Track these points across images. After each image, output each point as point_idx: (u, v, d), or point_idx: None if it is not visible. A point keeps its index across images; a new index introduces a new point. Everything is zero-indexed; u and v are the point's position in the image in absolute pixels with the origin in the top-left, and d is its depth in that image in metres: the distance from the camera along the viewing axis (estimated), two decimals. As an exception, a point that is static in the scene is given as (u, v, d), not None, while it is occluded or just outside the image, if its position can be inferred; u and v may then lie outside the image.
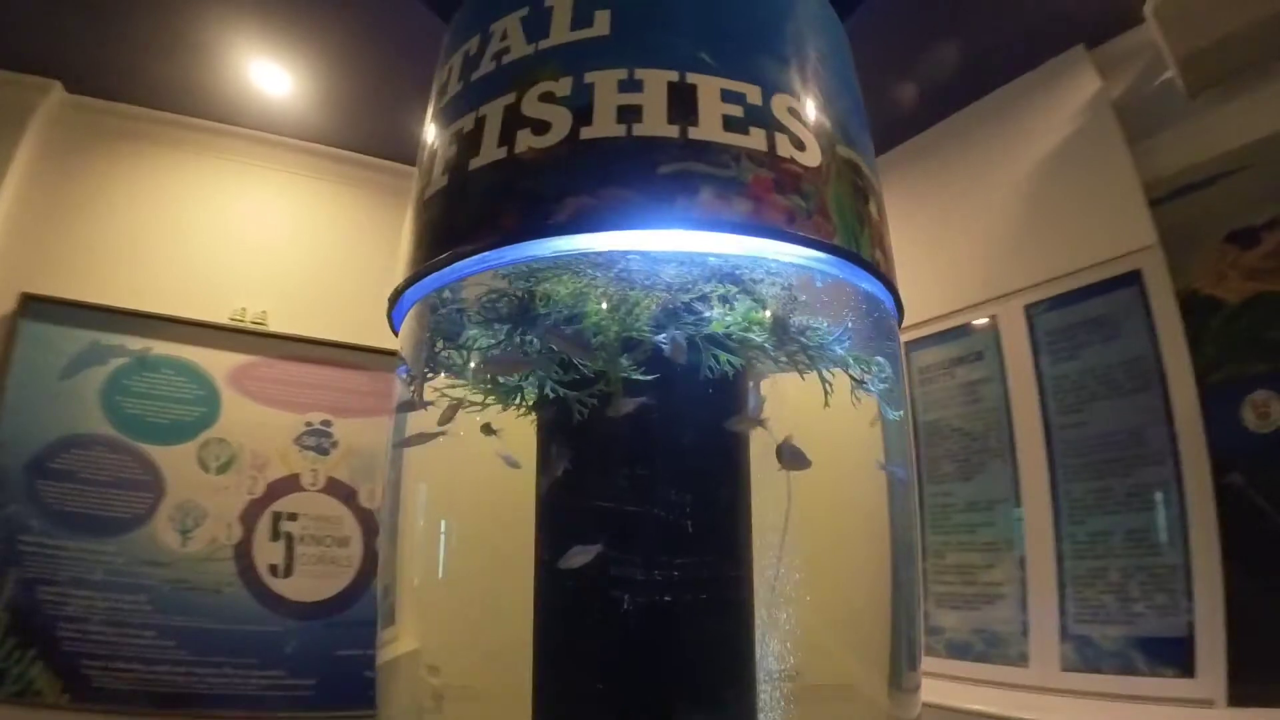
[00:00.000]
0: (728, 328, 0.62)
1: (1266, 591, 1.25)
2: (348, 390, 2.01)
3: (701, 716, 0.61)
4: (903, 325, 0.77)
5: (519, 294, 0.65)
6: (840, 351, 0.66)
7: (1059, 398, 1.58)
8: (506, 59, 0.67)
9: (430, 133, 0.74)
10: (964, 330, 1.80)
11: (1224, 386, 1.36)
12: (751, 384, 0.68)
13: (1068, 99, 1.69)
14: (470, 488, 0.70)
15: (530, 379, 0.67)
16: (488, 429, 0.70)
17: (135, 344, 1.81)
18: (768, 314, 0.64)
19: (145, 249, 1.90)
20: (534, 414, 0.69)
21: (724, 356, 0.63)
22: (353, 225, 2.17)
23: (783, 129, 0.61)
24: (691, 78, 0.61)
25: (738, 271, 0.62)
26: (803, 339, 0.64)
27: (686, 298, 0.61)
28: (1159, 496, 1.40)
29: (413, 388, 0.75)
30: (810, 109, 0.66)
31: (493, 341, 0.68)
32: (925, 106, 1.91)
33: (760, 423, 0.66)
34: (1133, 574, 1.40)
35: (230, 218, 2.03)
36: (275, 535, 1.84)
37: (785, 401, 0.68)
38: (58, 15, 1.63)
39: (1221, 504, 1.31)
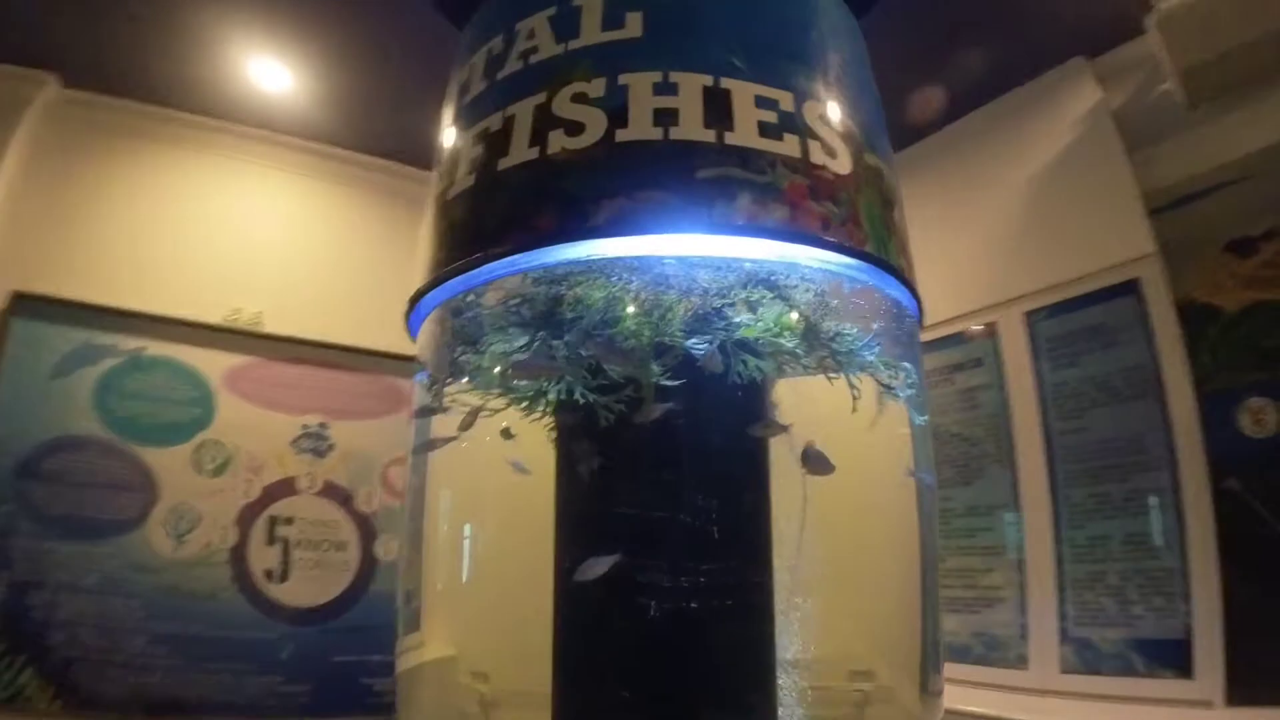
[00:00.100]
0: (760, 333, 0.62)
1: (1263, 594, 1.27)
2: (345, 392, 1.98)
3: (728, 722, 0.61)
4: (923, 331, 0.78)
5: (548, 298, 0.64)
6: (870, 357, 0.66)
7: (1059, 404, 1.60)
8: (535, 58, 0.66)
9: (452, 132, 0.73)
10: (963, 337, 1.82)
11: (1221, 393, 1.38)
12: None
13: (1068, 109, 1.71)
14: (501, 492, 0.70)
15: (556, 384, 0.66)
16: (507, 433, 0.70)
17: (129, 344, 1.77)
18: (798, 318, 0.64)
19: (140, 247, 1.86)
20: (552, 419, 0.68)
21: (753, 361, 0.63)
22: (351, 226, 2.14)
23: (815, 136, 0.62)
24: (725, 82, 0.61)
25: (773, 277, 0.62)
26: (833, 344, 0.64)
27: (719, 303, 0.61)
28: (1157, 501, 1.41)
29: (433, 392, 0.74)
30: (839, 116, 0.66)
31: (517, 345, 0.68)
32: (926, 116, 1.92)
33: (784, 428, 0.66)
34: (1131, 577, 1.41)
35: (227, 216, 1.99)
36: (271, 539, 1.81)
37: (803, 408, 0.68)
38: (55, 7, 1.60)
39: (1219, 509, 1.33)
